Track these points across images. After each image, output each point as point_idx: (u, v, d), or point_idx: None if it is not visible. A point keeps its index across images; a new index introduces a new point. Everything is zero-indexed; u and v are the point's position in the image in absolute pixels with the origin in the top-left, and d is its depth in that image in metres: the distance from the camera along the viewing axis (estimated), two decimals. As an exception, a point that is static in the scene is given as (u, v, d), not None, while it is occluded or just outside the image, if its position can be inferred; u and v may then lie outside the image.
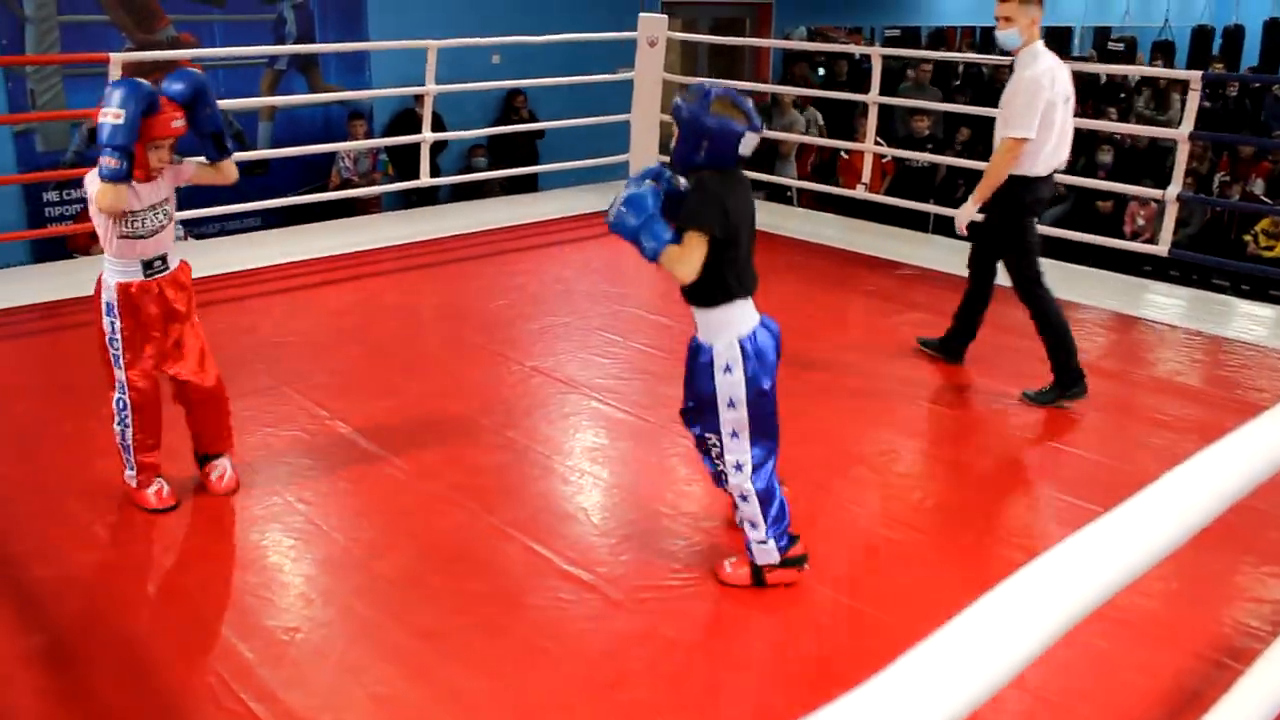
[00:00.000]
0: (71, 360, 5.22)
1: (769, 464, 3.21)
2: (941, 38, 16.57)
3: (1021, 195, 4.70)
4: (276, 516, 3.73)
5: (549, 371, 5.07)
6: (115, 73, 6.36)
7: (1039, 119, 4.56)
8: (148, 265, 3.61)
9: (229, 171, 3.82)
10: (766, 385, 3.10)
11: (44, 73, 8.35)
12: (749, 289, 3.10)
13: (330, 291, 6.37)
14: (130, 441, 3.69)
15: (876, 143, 8.29)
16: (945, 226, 8.19)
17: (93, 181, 3.44)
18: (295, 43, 9.65)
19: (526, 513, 3.79)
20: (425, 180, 7.95)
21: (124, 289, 3.59)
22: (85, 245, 7.60)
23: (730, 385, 3.09)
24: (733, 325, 3.07)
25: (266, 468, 4.07)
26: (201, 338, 3.81)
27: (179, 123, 3.55)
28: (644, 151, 8.96)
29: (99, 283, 3.64)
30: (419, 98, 8.89)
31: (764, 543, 3.25)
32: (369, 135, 9.63)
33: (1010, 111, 4.61)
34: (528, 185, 10.09)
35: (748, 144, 2.99)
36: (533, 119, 10.42)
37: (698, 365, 3.16)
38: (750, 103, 3.05)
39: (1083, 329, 5.97)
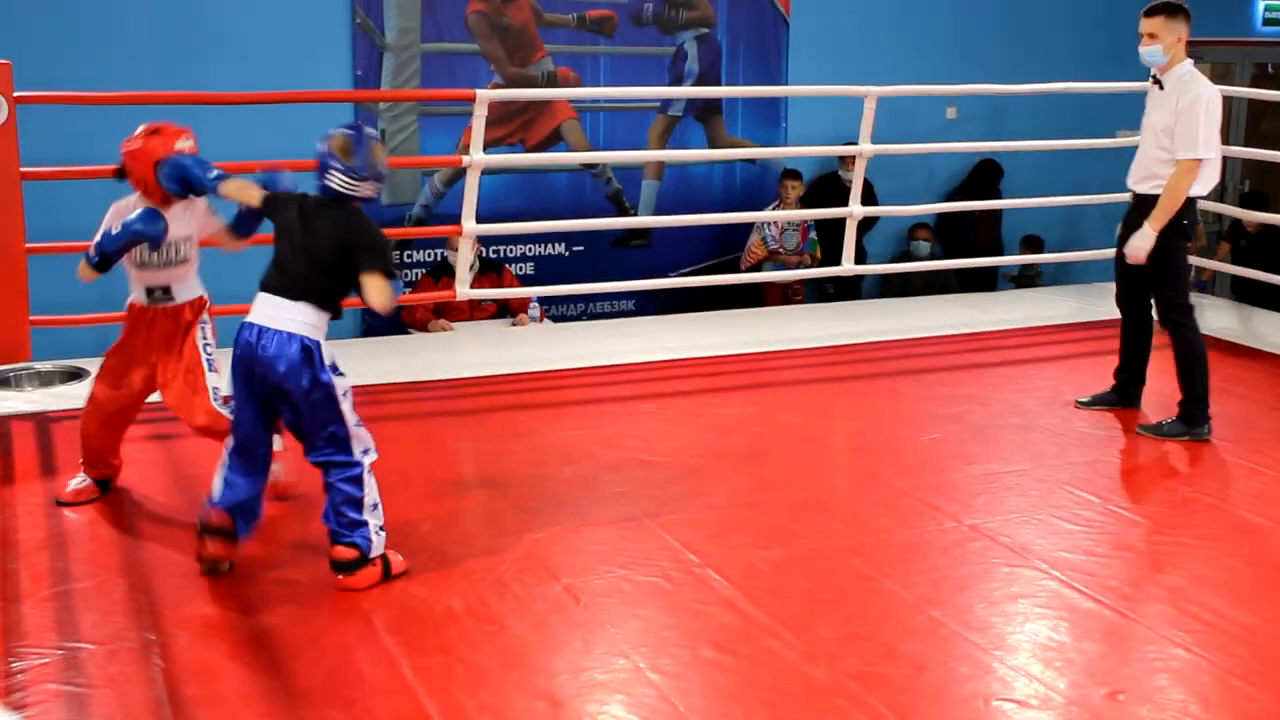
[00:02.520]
0: (396, 457, 5.63)
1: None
2: None
3: (1181, 217, 6.00)
4: (623, 686, 3.83)
5: (994, 534, 4.96)
6: (480, 113, 6.90)
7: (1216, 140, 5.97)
8: (149, 292, 4.90)
9: (236, 240, 4.96)
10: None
11: (398, 110, 9.20)
12: (265, 285, 4.38)
13: (714, 401, 6.55)
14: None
15: None
16: None
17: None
18: (696, 83, 10.10)
19: (949, 724, 3.71)
20: (849, 267, 8.07)
21: (131, 306, 4.96)
22: (424, 320, 8.22)
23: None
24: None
25: (615, 620, 4.20)
26: (200, 378, 4.87)
27: (186, 143, 4.76)
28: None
29: None
30: (847, 159, 9.07)
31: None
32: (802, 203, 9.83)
33: (1191, 131, 5.86)
34: (984, 282, 10.03)
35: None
36: (992, 193, 10.36)
37: None
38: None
39: None
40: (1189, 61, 6.01)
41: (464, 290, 7.32)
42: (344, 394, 4.35)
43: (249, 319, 4.32)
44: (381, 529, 4.38)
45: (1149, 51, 5.97)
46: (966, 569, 4.69)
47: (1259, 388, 7.04)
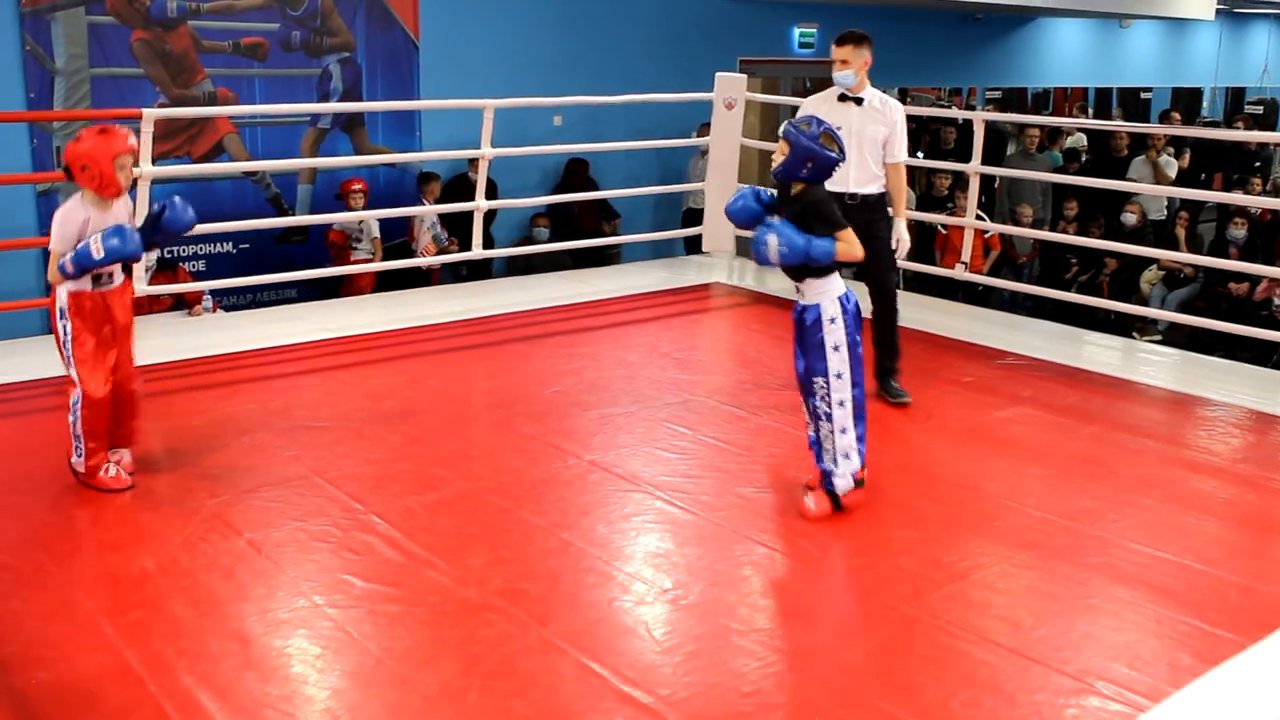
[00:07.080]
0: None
1: (862, 404, 4.52)
2: (1048, 101, 16.59)
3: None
4: (303, 621, 3.74)
5: (608, 466, 5.06)
6: (148, 130, 6.56)
7: None
8: (95, 279, 4.54)
9: None
10: (859, 336, 4.47)
11: (71, 129, 8.63)
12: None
13: (369, 372, 6.43)
14: (80, 431, 4.56)
15: (978, 217, 8.30)
16: (1061, 311, 8.15)
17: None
18: (341, 100, 9.90)
19: (580, 625, 3.77)
20: (478, 252, 8.06)
21: (75, 297, 4.52)
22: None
23: (835, 332, 4.43)
24: (835, 288, 4.46)
25: (293, 566, 4.09)
26: (133, 348, 4.77)
27: (134, 140, 4.48)
28: (720, 222, 9.01)
29: (53, 293, 4.57)
30: (473, 162, 9.06)
31: (842, 476, 4.52)
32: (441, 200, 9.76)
33: (904, 140, 6.00)
34: (598, 259, 10.17)
35: (836, 170, 4.48)
36: (591, 187, 10.56)
37: (807, 323, 4.47)
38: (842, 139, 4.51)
39: (1215, 428, 5.87)
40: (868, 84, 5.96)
41: (142, 287, 6.93)
42: None
43: (848, 290, 4.52)
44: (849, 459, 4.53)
45: (843, 75, 5.84)
46: (589, 497, 4.78)
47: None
